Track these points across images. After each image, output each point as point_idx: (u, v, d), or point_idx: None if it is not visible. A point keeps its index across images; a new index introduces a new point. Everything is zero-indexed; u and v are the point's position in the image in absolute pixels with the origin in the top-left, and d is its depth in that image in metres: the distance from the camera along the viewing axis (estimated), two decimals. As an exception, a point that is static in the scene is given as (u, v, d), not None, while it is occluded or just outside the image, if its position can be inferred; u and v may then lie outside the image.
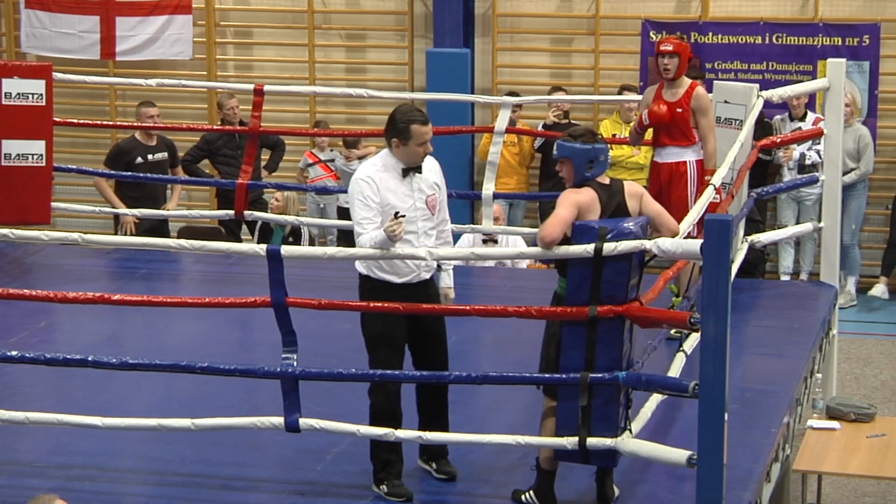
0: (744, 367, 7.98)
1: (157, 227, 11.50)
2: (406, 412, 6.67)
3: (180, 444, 6.93)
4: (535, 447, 6.40)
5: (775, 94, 9.35)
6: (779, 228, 11.94)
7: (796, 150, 12.57)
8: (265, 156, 12.86)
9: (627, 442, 6.16)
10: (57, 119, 10.82)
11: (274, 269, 6.32)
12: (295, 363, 6.43)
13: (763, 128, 11.86)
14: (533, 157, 13.54)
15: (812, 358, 8.57)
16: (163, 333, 8.78)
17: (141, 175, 11.23)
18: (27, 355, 6.87)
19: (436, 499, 6.58)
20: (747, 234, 9.59)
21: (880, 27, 13.11)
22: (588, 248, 6.03)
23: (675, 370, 7.03)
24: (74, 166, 11.44)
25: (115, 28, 14.38)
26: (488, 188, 10.21)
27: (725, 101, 9.17)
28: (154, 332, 8.77)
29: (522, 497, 6.43)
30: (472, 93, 13.59)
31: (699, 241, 5.80)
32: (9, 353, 6.90)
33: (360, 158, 12.86)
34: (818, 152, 12.03)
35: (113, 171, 11.40)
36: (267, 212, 12.09)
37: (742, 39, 13.38)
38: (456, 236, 10.86)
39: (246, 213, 10.70)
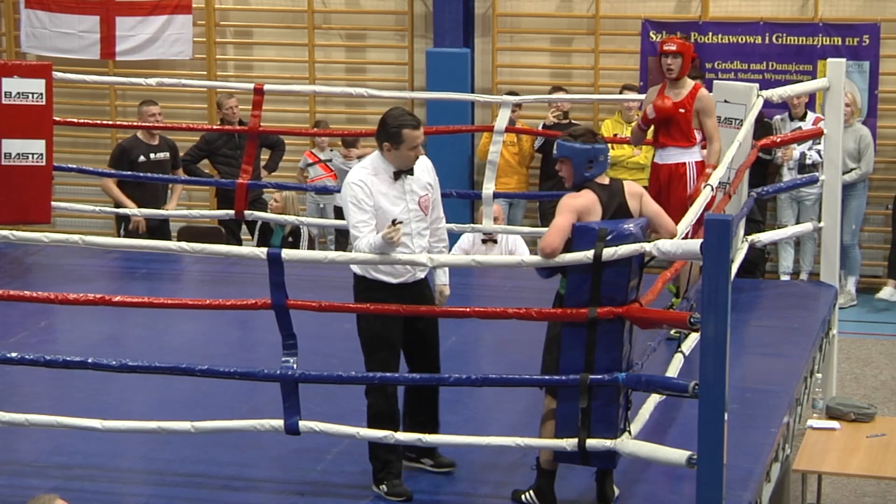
0: (744, 367, 7.98)
1: (158, 227, 11.50)
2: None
3: (180, 444, 6.93)
4: (536, 448, 6.41)
5: (775, 93, 9.35)
6: (779, 228, 11.94)
7: (797, 150, 12.57)
8: (265, 156, 12.87)
9: (627, 443, 6.16)
10: (57, 119, 10.83)
11: (274, 273, 6.33)
12: (295, 366, 6.44)
13: (763, 127, 11.86)
14: (533, 157, 13.55)
15: (812, 358, 8.57)
16: (163, 333, 8.78)
17: (141, 175, 11.23)
18: (27, 357, 6.86)
19: (436, 499, 6.59)
20: (747, 234, 9.60)
21: (880, 27, 13.11)
22: (588, 255, 6.03)
23: (673, 370, 7.03)
24: (74, 166, 11.45)
25: (115, 28, 14.39)
26: (488, 188, 10.21)
27: (725, 101, 9.18)
28: (154, 332, 8.77)
29: (522, 497, 6.43)
30: (472, 93, 13.58)
31: (699, 242, 5.80)
32: (9, 355, 6.90)
33: (360, 158, 12.85)
34: (818, 152, 12.02)
35: (114, 171, 11.40)
36: (267, 211, 12.09)
37: (742, 39, 13.38)
38: (456, 236, 10.86)
39: (246, 212, 10.71)
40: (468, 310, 6.62)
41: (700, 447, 5.81)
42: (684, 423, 6.83)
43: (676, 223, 6.62)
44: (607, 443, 6.15)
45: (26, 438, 7.15)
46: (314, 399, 6.73)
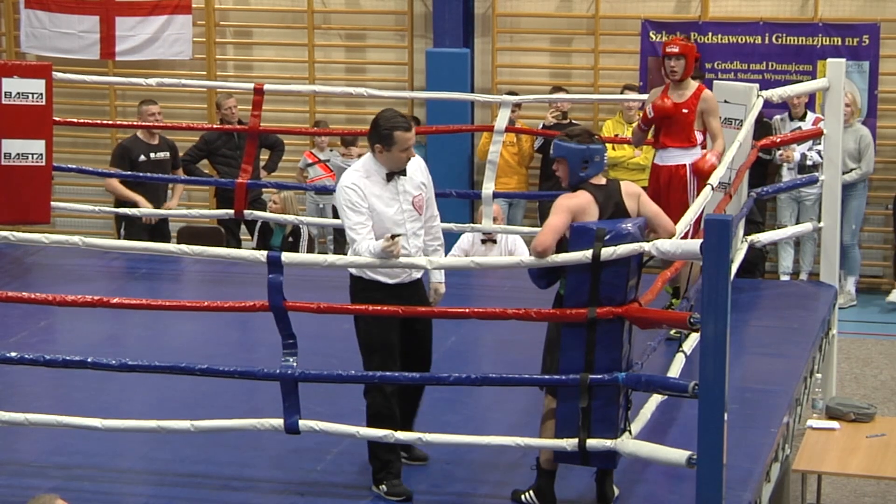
0: (744, 367, 7.98)
1: (158, 227, 11.49)
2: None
3: (180, 444, 6.93)
4: (536, 448, 6.41)
5: (775, 93, 9.35)
6: (778, 228, 11.94)
7: (797, 151, 12.57)
8: (264, 156, 12.86)
9: (627, 443, 6.16)
10: (57, 119, 10.82)
11: (274, 275, 6.33)
12: (294, 366, 6.44)
13: (763, 127, 11.85)
14: (532, 157, 13.55)
15: (812, 358, 8.57)
16: (163, 333, 8.78)
17: (141, 175, 11.23)
18: (27, 357, 6.87)
19: (435, 499, 6.59)
20: (747, 233, 9.60)
21: (880, 27, 13.11)
22: (586, 255, 6.03)
23: (674, 370, 7.03)
24: (74, 166, 11.45)
25: (115, 28, 14.39)
26: (488, 187, 10.21)
27: (725, 101, 9.17)
28: (154, 333, 8.76)
29: (522, 497, 6.43)
30: (472, 93, 13.58)
31: (699, 242, 5.80)
32: (9, 355, 6.90)
33: (360, 156, 12.84)
34: (819, 152, 12.02)
35: (113, 170, 11.40)
36: (266, 211, 12.08)
37: (742, 39, 13.38)
38: (455, 235, 10.86)
39: (245, 212, 10.71)
40: (467, 310, 6.62)
41: (700, 447, 5.82)
42: (684, 423, 6.82)
43: (676, 224, 6.61)
44: (607, 443, 6.15)
45: (26, 438, 7.15)
46: (314, 399, 6.73)
